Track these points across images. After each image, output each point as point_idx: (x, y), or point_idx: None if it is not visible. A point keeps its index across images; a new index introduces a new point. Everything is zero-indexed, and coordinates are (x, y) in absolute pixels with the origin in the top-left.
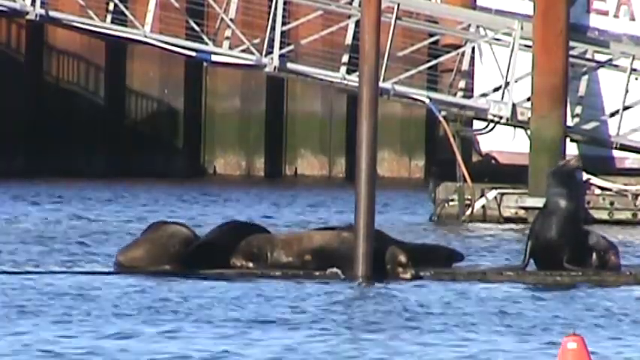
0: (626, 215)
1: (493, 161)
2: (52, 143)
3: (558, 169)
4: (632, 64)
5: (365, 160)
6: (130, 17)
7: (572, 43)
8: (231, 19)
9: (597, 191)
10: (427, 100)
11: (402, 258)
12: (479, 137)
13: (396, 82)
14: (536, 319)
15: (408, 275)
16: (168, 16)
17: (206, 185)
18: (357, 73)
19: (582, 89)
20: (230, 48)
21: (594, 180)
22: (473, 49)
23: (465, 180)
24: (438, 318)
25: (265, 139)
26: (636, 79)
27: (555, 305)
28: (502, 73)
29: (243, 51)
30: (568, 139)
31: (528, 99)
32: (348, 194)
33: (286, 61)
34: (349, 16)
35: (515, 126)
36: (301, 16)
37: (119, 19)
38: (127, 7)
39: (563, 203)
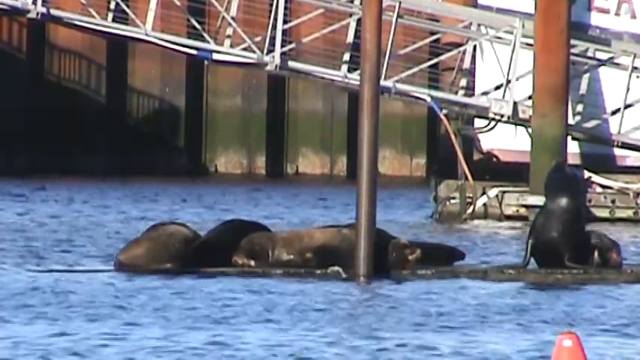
0: (627, 213)
1: (494, 159)
2: (53, 142)
3: (552, 170)
4: (633, 62)
5: (366, 159)
6: (132, 16)
7: (573, 42)
8: (232, 18)
9: (598, 189)
10: (428, 99)
11: (404, 241)
12: (480, 135)
13: (397, 81)
14: (537, 318)
15: (417, 253)
16: (170, 14)
17: (207, 184)
18: (359, 72)
19: (583, 87)
20: (231, 46)
21: (595, 178)
22: (474, 47)
23: (466, 178)
24: (438, 316)
25: (266, 137)
26: (637, 77)
27: (556, 303)
28: (503, 72)
29: (244, 49)
30: (569, 138)
31: (529, 97)
32: (349, 193)
33: (287, 60)
34: (350, 15)
35: (516, 124)
36: (302, 15)
37: (120, 17)
38: (128, 6)
39: (563, 202)
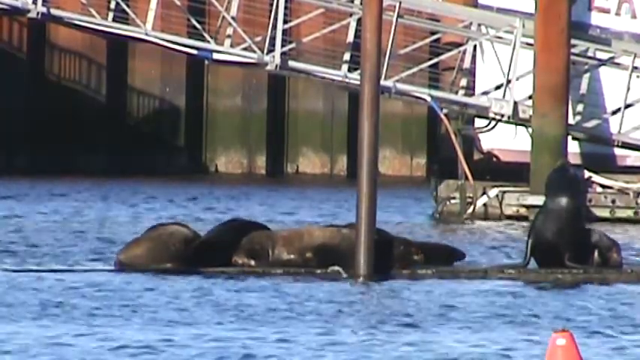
0: (627, 213)
1: (494, 159)
2: (53, 142)
3: (555, 170)
4: (633, 62)
5: (366, 159)
6: (132, 15)
7: (573, 41)
8: (232, 17)
9: (599, 189)
10: (429, 98)
11: (411, 240)
12: (480, 135)
13: (397, 80)
14: (537, 318)
15: (422, 256)
16: (170, 14)
17: (207, 184)
18: (359, 71)
19: (584, 87)
20: (232, 46)
21: (595, 178)
22: (474, 47)
23: (466, 178)
24: (439, 316)
25: (267, 137)
26: (638, 77)
27: (557, 303)
28: (504, 71)
29: (244, 49)
30: (569, 137)
31: (530, 97)
32: (349, 192)
33: (288, 59)
34: (351, 14)
35: (516, 124)
36: (303, 14)
37: (121, 17)
38: (128, 6)
39: (563, 201)
